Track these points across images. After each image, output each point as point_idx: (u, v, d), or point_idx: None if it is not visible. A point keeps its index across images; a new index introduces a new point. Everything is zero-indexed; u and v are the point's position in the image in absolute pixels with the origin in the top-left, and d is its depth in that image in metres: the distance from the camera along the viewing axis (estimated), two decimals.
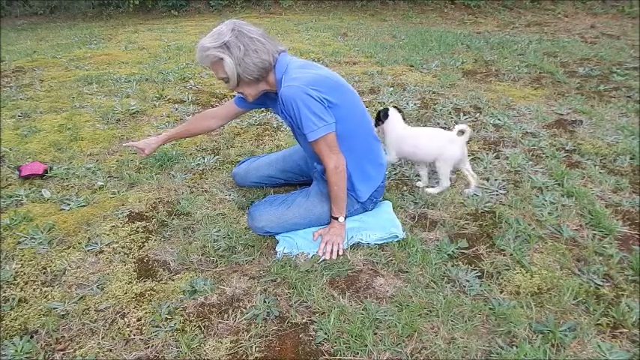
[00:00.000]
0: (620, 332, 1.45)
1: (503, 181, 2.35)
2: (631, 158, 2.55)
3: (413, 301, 1.56)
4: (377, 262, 1.77)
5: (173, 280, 1.71)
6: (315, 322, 1.50)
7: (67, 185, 2.39)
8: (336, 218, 1.86)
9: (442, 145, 2.11)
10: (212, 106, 3.45)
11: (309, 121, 1.66)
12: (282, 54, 1.77)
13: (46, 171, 2.47)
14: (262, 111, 3.36)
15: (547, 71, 4.26)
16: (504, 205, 2.14)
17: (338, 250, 1.81)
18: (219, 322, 1.52)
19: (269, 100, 1.95)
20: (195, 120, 2.28)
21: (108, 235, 1.98)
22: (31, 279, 1.73)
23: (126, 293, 1.65)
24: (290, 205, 1.92)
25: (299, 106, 1.65)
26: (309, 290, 1.62)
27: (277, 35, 6.24)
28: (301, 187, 2.14)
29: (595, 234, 1.92)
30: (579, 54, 4.91)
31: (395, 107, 2.25)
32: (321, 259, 1.78)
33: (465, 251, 1.82)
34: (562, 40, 5.73)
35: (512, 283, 1.65)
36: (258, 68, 1.70)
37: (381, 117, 2.22)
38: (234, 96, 2.06)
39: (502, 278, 1.68)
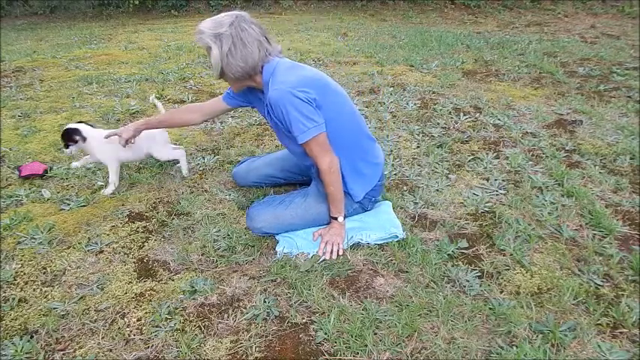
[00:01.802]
0: (620, 332, 1.45)
1: (503, 181, 2.35)
2: (631, 158, 2.55)
3: (413, 301, 1.56)
4: (377, 262, 1.77)
5: (173, 280, 1.71)
6: (315, 322, 1.50)
7: (67, 185, 2.39)
8: (336, 218, 1.86)
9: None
10: None
11: (298, 122, 1.66)
12: (272, 57, 1.76)
13: (46, 171, 2.47)
14: None
15: (547, 71, 4.26)
16: (504, 205, 2.14)
17: (338, 250, 1.81)
18: (219, 322, 1.52)
19: (255, 99, 1.96)
20: (178, 112, 2.26)
21: (108, 235, 1.98)
22: (31, 279, 1.73)
23: (126, 293, 1.65)
24: (288, 206, 1.92)
25: (287, 109, 1.64)
26: (309, 290, 1.62)
27: (277, 35, 6.25)
28: (301, 187, 2.14)
29: (595, 234, 1.92)
30: (579, 54, 4.91)
31: (80, 122, 2.26)
32: (321, 259, 1.78)
33: (465, 251, 1.83)
34: (562, 40, 5.73)
35: (512, 283, 1.65)
36: (241, 70, 1.71)
37: (74, 138, 2.18)
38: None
39: (502, 278, 1.68)
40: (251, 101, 2.00)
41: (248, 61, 1.69)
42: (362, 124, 1.94)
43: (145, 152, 2.33)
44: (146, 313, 1.56)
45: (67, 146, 2.21)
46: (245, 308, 1.57)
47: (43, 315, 1.56)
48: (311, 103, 1.67)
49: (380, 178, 1.98)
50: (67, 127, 2.21)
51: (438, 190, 2.27)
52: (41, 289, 1.68)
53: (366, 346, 1.39)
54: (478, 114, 3.26)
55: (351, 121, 1.87)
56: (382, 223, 1.93)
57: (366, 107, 3.42)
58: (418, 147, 2.76)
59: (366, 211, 2.01)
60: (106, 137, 2.18)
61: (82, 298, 1.63)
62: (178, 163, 2.45)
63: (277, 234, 1.92)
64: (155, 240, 1.95)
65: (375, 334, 1.44)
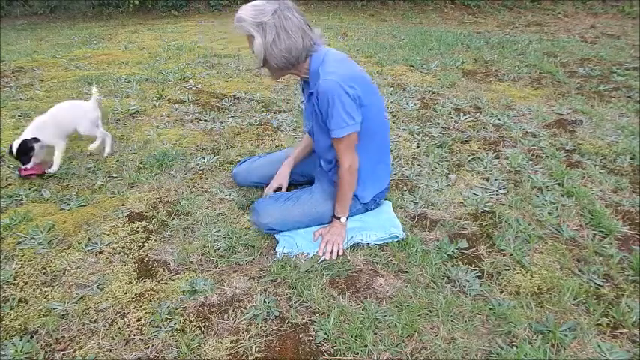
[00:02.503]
0: (620, 332, 1.45)
1: (503, 181, 2.35)
2: (631, 158, 2.55)
3: (413, 301, 1.56)
4: (377, 262, 1.77)
5: (173, 280, 1.71)
6: (315, 322, 1.50)
7: (67, 185, 2.39)
8: (338, 218, 1.86)
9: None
10: (212, 106, 3.45)
11: (340, 118, 1.66)
12: (319, 46, 1.75)
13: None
14: (262, 111, 3.36)
15: (547, 71, 4.26)
16: (504, 205, 2.14)
17: (338, 250, 1.81)
18: (219, 322, 1.52)
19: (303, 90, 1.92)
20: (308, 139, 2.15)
21: (108, 235, 1.98)
22: (31, 279, 1.73)
23: (126, 293, 1.65)
24: (295, 203, 1.92)
25: (335, 102, 1.64)
26: (309, 290, 1.62)
27: None
28: (302, 187, 2.14)
29: (595, 234, 1.92)
30: (579, 54, 4.91)
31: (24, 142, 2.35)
32: (321, 259, 1.78)
33: (465, 251, 1.83)
34: (562, 40, 5.73)
35: (512, 283, 1.66)
36: (285, 60, 1.68)
37: (29, 152, 2.34)
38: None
39: (502, 278, 1.68)
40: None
41: (292, 52, 1.67)
42: (388, 128, 1.96)
43: (72, 129, 2.51)
44: (146, 313, 1.56)
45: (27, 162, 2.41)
46: (245, 308, 1.57)
47: (43, 315, 1.56)
48: (355, 100, 1.68)
49: (388, 181, 2.01)
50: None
51: (438, 190, 2.27)
52: (41, 289, 1.68)
53: (366, 346, 1.39)
54: (478, 114, 3.26)
55: (383, 124, 1.90)
56: (382, 223, 1.94)
57: None
58: (418, 147, 2.76)
59: (367, 211, 2.01)
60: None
61: (82, 298, 1.63)
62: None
63: (281, 231, 1.92)
64: (155, 240, 1.95)
65: (375, 334, 1.45)
